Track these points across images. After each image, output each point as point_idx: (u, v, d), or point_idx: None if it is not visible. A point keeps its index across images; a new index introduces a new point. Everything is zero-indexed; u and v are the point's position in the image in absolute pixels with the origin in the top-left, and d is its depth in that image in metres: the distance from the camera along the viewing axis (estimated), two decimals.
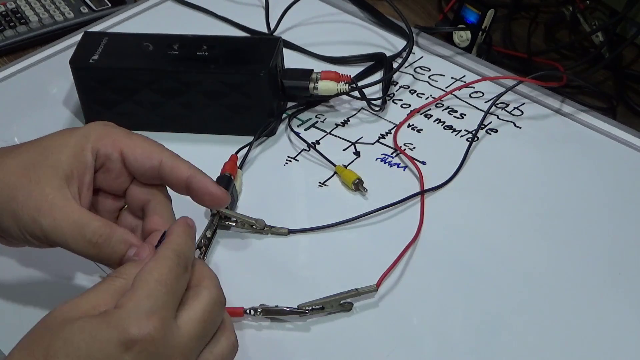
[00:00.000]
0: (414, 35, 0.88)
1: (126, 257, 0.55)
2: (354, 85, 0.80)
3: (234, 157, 0.74)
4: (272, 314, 0.62)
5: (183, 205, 0.72)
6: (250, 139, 0.76)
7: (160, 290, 0.50)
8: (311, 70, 0.79)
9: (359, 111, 0.82)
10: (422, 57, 0.88)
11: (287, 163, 0.76)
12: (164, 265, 0.52)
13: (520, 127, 0.79)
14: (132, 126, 0.78)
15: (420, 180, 0.73)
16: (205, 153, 0.76)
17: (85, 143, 0.57)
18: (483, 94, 0.83)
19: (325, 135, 0.79)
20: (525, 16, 0.97)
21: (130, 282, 0.51)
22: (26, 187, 0.55)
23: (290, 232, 0.69)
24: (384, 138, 0.78)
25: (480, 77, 0.84)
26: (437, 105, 0.82)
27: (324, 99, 0.81)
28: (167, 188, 0.60)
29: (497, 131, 0.79)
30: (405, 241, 0.67)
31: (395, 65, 0.85)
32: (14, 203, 0.55)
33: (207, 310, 0.52)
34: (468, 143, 0.77)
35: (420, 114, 0.81)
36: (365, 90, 0.81)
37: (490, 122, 0.80)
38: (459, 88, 0.83)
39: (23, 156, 0.57)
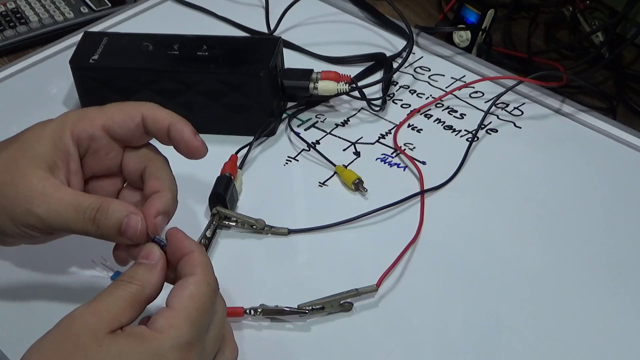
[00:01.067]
0: (414, 35, 0.88)
1: (125, 223, 0.54)
2: (354, 85, 0.80)
3: (234, 157, 0.74)
4: (272, 314, 0.62)
5: (183, 206, 0.72)
6: (250, 139, 0.76)
7: (200, 320, 0.51)
8: (311, 70, 0.79)
9: (359, 111, 0.82)
10: (422, 57, 0.88)
11: (287, 163, 0.76)
12: (205, 292, 0.52)
13: (520, 127, 0.79)
14: None
15: (420, 180, 0.73)
16: None
17: (62, 131, 0.57)
18: (483, 94, 0.83)
19: (325, 135, 0.79)
20: (525, 16, 0.97)
21: (145, 289, 0.52)
22: (12, 183, 0.55)
23: (290, 232, 0.69)
24: (384, 138, 0.78)
25: (480, 77, 0.84)
26: (437, 105, 0.82)
27: (324, 99, 0.81)
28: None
29: (497, 131, 0.79)
30: (405, 241, 0.67)
31: (395, 65, 0.86)
32: (4, 200, 0.55)
33: (220, 325, 0.54)
34: (468, 143, 0.77)
35: (420, 114, 0.81)
36: (365, 90, 0.81)
37: (490, 122, 0.80)
38: (459, 88, 0.83)
39: (1, 155, 0.57)
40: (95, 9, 0.96)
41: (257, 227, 0.69)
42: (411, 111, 0.81)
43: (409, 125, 0.80)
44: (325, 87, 0.78)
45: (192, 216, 0.71)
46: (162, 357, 0.49)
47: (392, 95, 0.83)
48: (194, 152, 0.58)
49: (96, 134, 0.57)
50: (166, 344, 0.49)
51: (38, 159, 0.56)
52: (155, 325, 0.50)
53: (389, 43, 0.90)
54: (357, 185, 0.73)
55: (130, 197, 0.60)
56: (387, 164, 0.76)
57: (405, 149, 0.77)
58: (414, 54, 0.87)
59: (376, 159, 0.76)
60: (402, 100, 0.83)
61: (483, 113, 0.80)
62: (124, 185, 0.61)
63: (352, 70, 0.84)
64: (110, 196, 0.60)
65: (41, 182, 0.55)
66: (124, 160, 0.59)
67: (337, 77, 0.79)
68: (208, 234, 0.68)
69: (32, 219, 0.54)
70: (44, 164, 0.56)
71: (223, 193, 0.70)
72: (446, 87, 0.84)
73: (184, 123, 0.58)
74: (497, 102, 0.81)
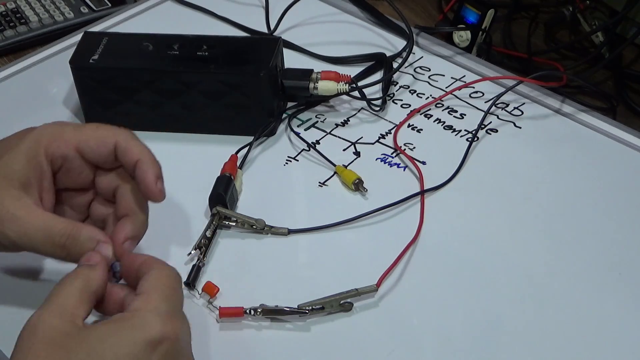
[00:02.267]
0: (414, 35, 0.88)
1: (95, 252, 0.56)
2: (354, 85, 0.80)
3: (234, 157, 0.74)
4: (272, 314, 0.62)
5: (183, 206, 0.72)
6: (250, 139, 0.76)
7: (173, 296, 0.52)
8: (311, 70, 0.79)
9: (359, 111, 0.82)
10: (422, 57, 0.88)
11: (287, 163, 0.76)
12: (169, 274, 0.53)
13: (520, 127, 0.79)
14: (132, 126, 0.78)
15: (420, 180, 0.73)
16: (205, 153, 0.76)
17: (37, 148, 0.57)
18: (483, 94, 0.83)
19: (325, 135, 0.79)
20: (525, 16, 0.97)
21: (90, 282, 0.52)
22: None
23: (290, 232, 0.69)
24: (384, 138, 0.78)
25: (480, 77, 0.84)
26: (437, 105, 0.82)
27: (324, 99, 0.81)
28: None
29: (497, 131, 0.79)
30: (405, 241, 0.67)
31: (395, 65, 0.85)
32: None
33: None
34: (468, 143, 0.77)
35: (420, 114, 0.81)
36: (365, 90, 0.81)
37: (490, 122, 0.80)
38: (459, 88, 0.83)
39: None
40: (95, 9, 0.96)
41: (257, 227, 0.69)
42: (411, 111, 0.81)
43: (409, 125, 0.80)
44: (325, 87, 0.78)
45: (192, 216, 0.71)
46: (147, 329, 0.49)
47: (392, 95, 0.83)
48: (151, 197, 0.58)
49: (69, 155, 0.58)
50: (147, 316, 0.50)
51: (12, 177, 0.56)
52: (130, 307, 0.51)
53: (389, 43, 0.90)
54: (357, 185, 0.73)
55: (101, 210, 0.61)
56: (387, 164, 0.76)
57: (405, 149, 0.77)
58: (414, 54, 0.87)
59: (376, 159, 0.76)
60: (402, 100, 0.83)
61: (483, 113, 0.80)
62: (97, 195, 0.61)
63: (352, 70, 0.84)
64: (82, 207, 0.61)
65: (13, 202, 0.56)
66: (96, 178, 0.60)
67: (337, 77, 0.79)
68: (208, 234, 0.68)
69: (3, 239, 0.55)
70: (17, 182, 0.56)
71: (223, 193, 0.70)
72: (446, 87, 0.84)
73: (151, 164, 0.58)
74: (497, 102, 0.81)
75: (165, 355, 0.49)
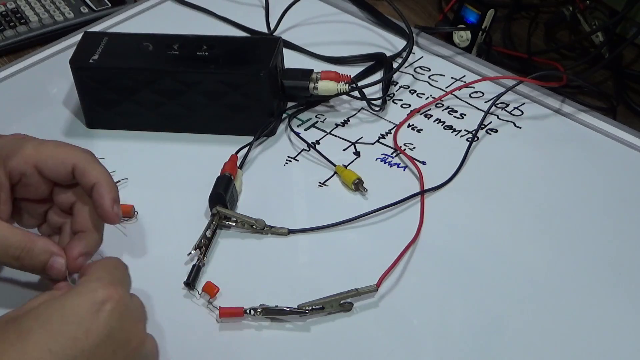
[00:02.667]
0: (414, 35, 0.88)
1: (49, 265, 0.59)
2: (354, 85, 0.80)
3: (234, 157, 0.74)
4: (272, 314, 0.62)
5: (183, 206, 0.72)
6: (250, 139, 0.76)
7: (116, 270, 0.56)
8: (311, 70, 0.79)
9: (359, 111, 0.82)
10: (422, 57, 0.88)
11: (287, 163, 0.76)
12: (112, 259, 0.58)
13: (520, 127, 0.79)
14: (132, 126, 0.78)
15: (420, 180, 0.73)
16: (205, 153, 0.76)
17: None
18: (483, 94, 0.83)
19: (325, 135, 0.79)
20: (525, 16, 0.97)
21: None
22: None
23: (290, 232, 0.69)
24: (384, 138, 0.78)
25: (480, 77, 0.84)
26: (437, 105, 0.82)
27: (324, 99, 0.81)
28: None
29: (497, 131, 0.79)
30: (405, 241, 0.67)
31: (395, 65, 0.85)
32: None
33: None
34: (468, 143, 0.77)
35: (420, 114, 0.81)
36: (365, 90, 0.81)
37: (490, 122, 0.80)
38: (459, 88, 0.83)
39: None
40: (95, 9, 0.96)
41: (257, 227, 0.69)
42: (411, 111, 0.81)
43: (409, 125, 0.80)
44: (325, 87, 0.78)
45: (192, 216, 0.71)
46: (90, 293, 0.51)
47: (392, 95, 0.83)
48: (107, 220, 0.60)
49: (28, 172, 0.60)
50: (90, 284, 0.52)
51: None
52: (77, 284, 0.54)
53: (389, 43, 0.90)
54: (357, 185, 0.73)
55: (58, 219, 0.63)
56: (387, 164, 0.76)
57: (405, 149, 0.77)
58: (414, 54, 0.87)
59: (376, 159, 0.76)
60: (402, 100, 0.83)
61: (483, 113, 0.80)
62: (54, 205, 0.63)
63: (352, 70, 0.84)
64: (40, 215, 0.63)
65: None
66: (54, 192, 0.62)
67: (337, 77, 0.79)
68: (208, 234, 0.68)
69: None
70: None
71: (223, 193, 0.70)
72: (446, 87, 0.84)
73: (108, 188, 0.59)
74: (497, 102, 0.81)
75: (110, 314, 0.51)
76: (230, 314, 0.62)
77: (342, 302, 0.63)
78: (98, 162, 0.60)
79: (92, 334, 0.50)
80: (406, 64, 0.85)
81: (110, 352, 0.51)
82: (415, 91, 0.83)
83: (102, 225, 0.62)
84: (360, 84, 0.81)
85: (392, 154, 0.77)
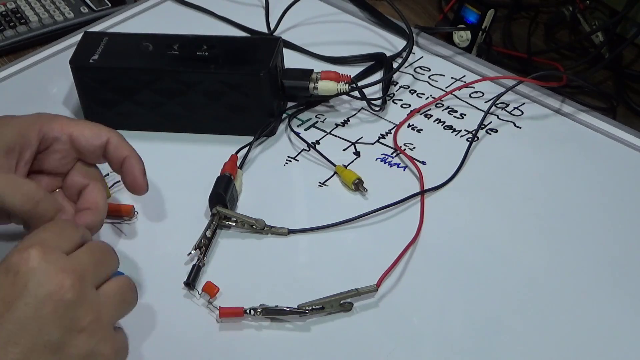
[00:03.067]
0: (414, 35, 0.88)
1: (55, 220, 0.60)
2: (354, 85, 0.80)
3: (234, 157, 0.74)
4: (272, 314, 0.62)
5: (183, 205, 0.72)
6: (250, 139, 0.76)
7: (55, 228, 0.55)
8: (311, 70, 0.79)
9: (359, 111, 0.82)
10: (422, 57, 0.88)
11: (287, 163, 0.76)
12: (66, 222, 0.58)
13: (520, 127, 0.79)
14: (132, 126, 0.78)
15: (420, 180, 0.73)
16: (205, 153, 0.76)
17: (32, 124, 0.62)
18: (483, 94, 0.83)
19: (325, 135, 0.79)
20: (525, 16, 0.97)
21: None
22: None
23: (290, 232, 0.69)
24: (384, 138, 0.78)
25: (480, 77, 0.84)
26: (437, 105, 0.82)
27: (324, 99, 0.81)
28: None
29: (497, 131, 0.79)
30: (405, 241, 0.67)
31: (395, 65, 0.85)
32: None
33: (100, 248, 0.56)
34: (468, 143, 0.77)
35: (420, 114, 0.81)
36: (365, 90, 0.81)
37: (490, 122, 0.80)
38: (459, 88, 0.83)
39: None
40: (95, 9, 0.96)
41: (257, 227, 0.69)
42: (411, 111, 0.81)
43: (409, 125, 0.80)
44: (325, 87, 0.78)
45: (192, 216, 0.71)
46: (5, 260, 0.51)
47: (392, 95, 0.83)
48: (137, 188, 0.64)
49: (62, 138, 0.63)
50: (19, 246, 0.52)
51: (0, 139, 0.60)
52: None
53: (389, 43, 0.90)
54: (357, 185, 0.73)
55: (62, 202, 0.64)
56: (387, 164, 0.76)
57: (405, 149, 0.77)
58: (414, 54, 0.87)
59: (376, 159, 0.76)
60: (402, 100, 0.83)
61: (483, 113, 0.80)
62: (58, 190, 0.65)
63: (352, 70, 0.84)
64: (47, 190, 0.64)
65: None
66: (72, 170, 0.65)
67: (337, 77, 0.79)
68: (208, 234, 0.68)
69: None
70: (4, 144, 0.60)
71: (223, 193, 0.70)
72: (446, 87, 0.84)
73: (139, 160, 0.64)
74: (497, 102, 0.81)
75: (15, 278, 0.50)
76: (230, 314, 0.62)
77: (342, 302, 0.63)
78: (128, 142, 0.64)
79: (11, 305, 0.49)
80: (406, 64, 0.85)
81: (34, 332, 0.49)
82: (415, 91, 0.83)
83: (105, 212, 0.63)
84: (360, 84, 0.81)
85: (392, 154, 0.77)
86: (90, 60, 0.77)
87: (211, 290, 0.64)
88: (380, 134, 0.79)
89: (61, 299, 0.50)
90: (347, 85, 0.79)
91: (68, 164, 0.64)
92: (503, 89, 0.82)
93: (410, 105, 0.82)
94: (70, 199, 0.65)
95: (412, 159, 0.76)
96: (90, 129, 0.64)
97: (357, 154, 0.77)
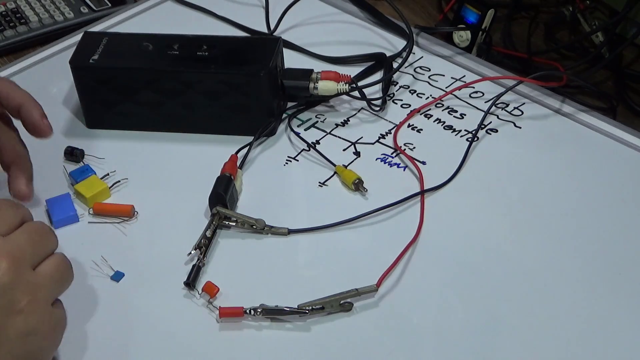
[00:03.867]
0: (414, 35, 0.88)
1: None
2: (354, 85, 0.80)
3: (234, 157, 0.74)
4: (272, 314, 0.62)
5: (183, 205, 0.72)
6: (250, 139, 0.76)
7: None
8: (311, 70, 0.79)
9: (359, 111, 0.82)
10: (422, 57, 0.88)
11: (287, 163, 0.76)
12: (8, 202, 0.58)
13: (520, 127, 0.79)
14: (132, 126, 0.78)
15: (420, 180, 0.73)
16: (205, 153, 0.76)
17: None
18: (483, 94, 0.83)
19: (325, 135, 0.79)
20: (525, 16, 0.97)
21: None
22: None
23: (290, 232, 0.69)
24: (384, 138, 0.78)
25: (480, 77, 0.84)
26: (437, 105, 0.82)
27: (324, 99, 0.81)
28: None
29: (497, 131, 0.79)
30: (405, 241, 0.67)
31: (395, 65, 0.85)
32: None
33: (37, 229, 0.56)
34: (468, 143, 0.77)
35: (420, 114, 0.81)
36: (365, 90, 0.81)
37: (490, 122, 0.80)
38: (459, 88, 0.83)
39: None
40: (95, 9, 0.96)
41: (257, 227, 0.69)
42: (411, 111, 0.81)
43: (409, 125, 0.80)
44: (325, 87, 0.78)
45: (192, 216, 0.71)
46: None
47: (392, 95, 0.83)
48: (40, 132, 0.65)
49: None
50: None
51: None
52: None
53: (389, 43, 0.90)
54: (357, 185, 0.73)
55: None
56: (387, 164, 0.76)
57: (405, 149, 0.77)
58: (414, 54, 0.87)
59: (376, 159, 0.76)
60: (402, 100, 0.83)
61: (483, 113, 0.80)
62: None
63: (352, 70, 0.84)
64: None
65: None
66: None
67: (337, 77, 0.79)
68: (208, 234, 0.68)
69: None
70: None
71: (223, 193, 0.70)
72: (446, 87, 0.84)
73: (34, 105, 0.65)
74: (497, 102, 0.81)
75: None
76: (230, 314, 0.62)
77: (342, 302, 0.63)
78: (20, 88, 0.65)
79: None
80: (406, 64, 0.85)
81: None
82: (415, 91, 0.83)
83: (28, 152, 0.66)
84: (360, 84, 0.81)
85: (392, 154, 0.77)
86: (90, 60, 0.77)
87: (211, 290, 0.64)
88: (380, 134, 0.79)
89: None
90: (347, 85, 0.79)
91: None
92: (503, 89, 0.82)
93: (410, 105, 0.82)
94: None
95: (412, 159, 0.76)
96: None
97: (357, 154, 0.77)
